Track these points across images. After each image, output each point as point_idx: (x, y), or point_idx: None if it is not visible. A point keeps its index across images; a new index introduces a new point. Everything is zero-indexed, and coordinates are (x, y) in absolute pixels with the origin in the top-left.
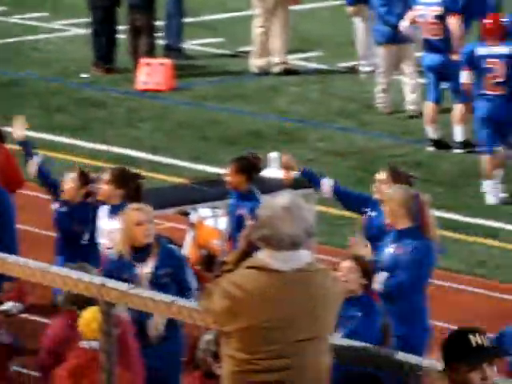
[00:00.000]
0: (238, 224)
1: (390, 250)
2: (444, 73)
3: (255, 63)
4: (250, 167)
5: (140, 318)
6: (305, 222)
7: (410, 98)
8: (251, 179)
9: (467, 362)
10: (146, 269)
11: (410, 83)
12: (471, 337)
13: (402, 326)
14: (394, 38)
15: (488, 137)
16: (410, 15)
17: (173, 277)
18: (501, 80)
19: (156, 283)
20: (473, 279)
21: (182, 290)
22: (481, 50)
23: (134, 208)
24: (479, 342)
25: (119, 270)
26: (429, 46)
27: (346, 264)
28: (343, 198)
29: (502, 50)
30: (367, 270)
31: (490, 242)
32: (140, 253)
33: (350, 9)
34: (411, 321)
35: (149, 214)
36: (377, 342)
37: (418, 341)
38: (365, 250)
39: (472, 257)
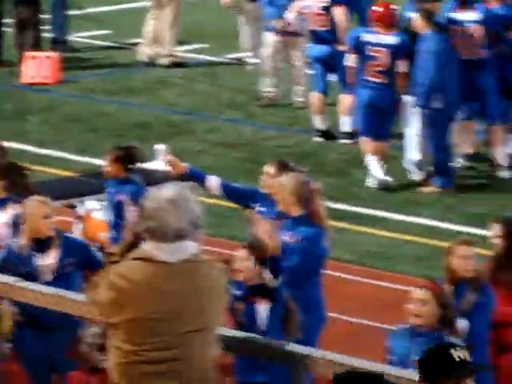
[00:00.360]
0: (117, 211)
1: (285, 237)
2: (331, 63)
3: (145, 52)
4: (127, 156)
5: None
6: (191, 214)
7: (298, 89)
8: (129, 168)
9: (451, 377)
10: (48, 260)
11: (298, 74)
12: (453, 351)
13: None
14: (282, 29)
15: (367, 123)
16: (295, 6)
17: (79, 265)
18: (383, 69)
19: (61, 273)
20: (362, 269)
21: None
22: (367, 37)
23: (38, 201)
24: (462, 356)
25: (18, 262)
26: (315, 37)
27: (241, 253)
28: (231, 194)
29: (389, 39)
30: (262, 257)
31: (377, 231)
32: (40, 245)
33: (225, 0)
34: (306, 309)
35: (52, 207)
36: (280, 328)
37: (312, 330)
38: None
39: (360, 246)
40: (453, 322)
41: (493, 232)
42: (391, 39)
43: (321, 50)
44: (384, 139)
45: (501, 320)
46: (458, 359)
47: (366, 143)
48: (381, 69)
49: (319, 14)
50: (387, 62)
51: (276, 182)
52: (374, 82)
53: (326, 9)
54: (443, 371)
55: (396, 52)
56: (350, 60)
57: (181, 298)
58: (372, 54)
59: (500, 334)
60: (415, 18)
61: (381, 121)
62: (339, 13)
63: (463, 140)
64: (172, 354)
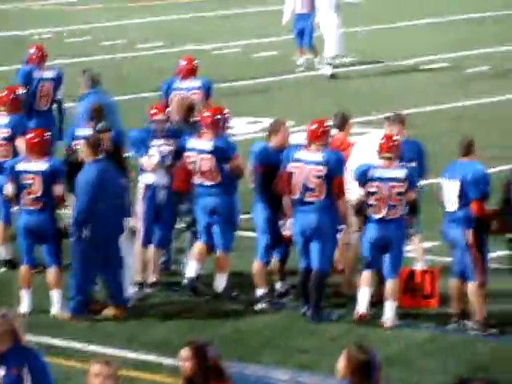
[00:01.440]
0: None
1: None
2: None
3: None
4: None
5: None
6: None
7: None
8: None
9: None
10: None
11: None
12: None
13: None
14: None
15: (27, 251)
16: None
17: None
18: (38, 195)
19: None
20: None
21: None
22: (20, 165)
23: None
24: None
25: None
26: None
27: None
28: None
29: (40, 165)
30: None
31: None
32: None
33: None
34: None
35: None
36: None
37: None
38: None
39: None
40: None
41: (182, 356)
42: (43, 166)
43: None
44: (57, 265)
45: None
46: None
47: (51, 274)
48: (35, 196)
49: (1, 145)
50: (40, 189)
51: None
52: (30, 209)
53: (8, 139)
54: None
55: (49, 178)
56: (7, 189)
57: None
58: (25, 181)
59: None
60: (81, 146)
61: (45, 248)
62: (22, 143)
63: (150, 268)
64: None
